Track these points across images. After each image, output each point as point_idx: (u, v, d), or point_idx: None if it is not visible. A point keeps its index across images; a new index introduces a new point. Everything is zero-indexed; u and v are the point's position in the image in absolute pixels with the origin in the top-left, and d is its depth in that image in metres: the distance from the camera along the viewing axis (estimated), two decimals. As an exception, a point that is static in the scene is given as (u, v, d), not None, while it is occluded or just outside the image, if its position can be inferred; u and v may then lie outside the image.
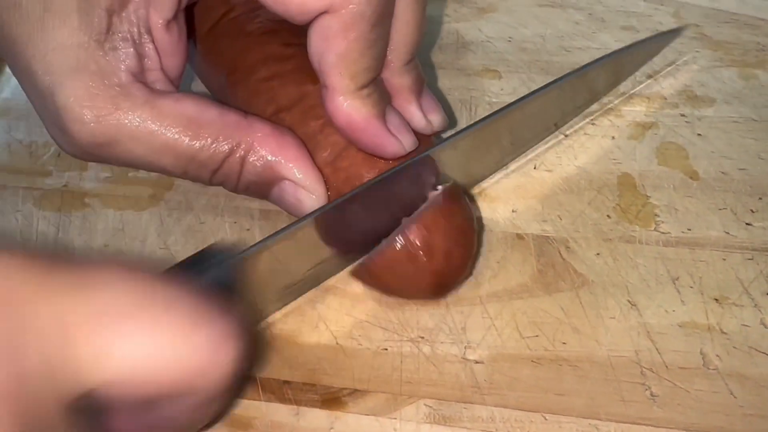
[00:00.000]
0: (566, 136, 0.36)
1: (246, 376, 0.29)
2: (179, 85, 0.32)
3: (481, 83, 0.39)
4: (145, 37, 0.29)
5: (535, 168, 0.35)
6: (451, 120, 0.37)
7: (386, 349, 0.30)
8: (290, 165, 0.30)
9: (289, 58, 0.31)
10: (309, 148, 0.30)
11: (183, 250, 0.33)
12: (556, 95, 0.34)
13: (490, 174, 0.35)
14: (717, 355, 0.29)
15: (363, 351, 0.30)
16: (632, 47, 0.37)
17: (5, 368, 0.17)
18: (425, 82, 0.32)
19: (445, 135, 0.34)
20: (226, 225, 0.34)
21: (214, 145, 0.29)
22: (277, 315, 0.31)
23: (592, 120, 0.37)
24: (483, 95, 0.39)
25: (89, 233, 0.34)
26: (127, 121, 0.28)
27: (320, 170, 0.30)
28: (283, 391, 0.29)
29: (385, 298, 0.31)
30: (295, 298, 0.31)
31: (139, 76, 0.29)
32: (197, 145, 0.29)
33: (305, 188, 0.30)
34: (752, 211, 0.33)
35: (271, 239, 0.27)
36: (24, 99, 0.38)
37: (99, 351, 0.19)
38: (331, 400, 0.28)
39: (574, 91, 0.35)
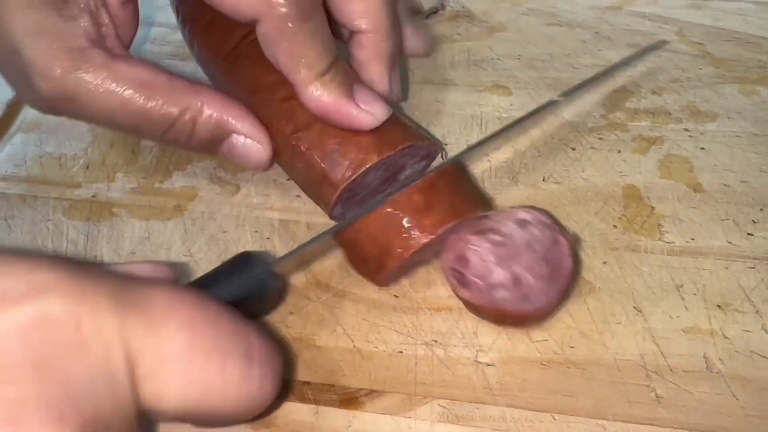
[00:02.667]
0: (573, 149, 0.38)
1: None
2: (129, 48, 0.34)
3: (491, 99, 0.41)
4: (102, 9, 0.32)
5: (543, 180, 0.37)
6: (461, 135, 0.39)
7: (401, 352, 0.31)
8: (236, 121, 0.33)
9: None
10: (326, 165, 0.32)
11: (206, 258, 0.35)
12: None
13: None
14: (720, 359, 0.30)
15: (379, 353, 0.31)
16: (621, 64, 0.40)
17: (74, 400, 0.18)
18: (397, 57, 0.35)
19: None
20: (248, 234, 0.36)
21: (164, 106, 0.32)
22: (297, 320, 0.32)
23: (598, 134, 0.38)
24: (494, 111, 0.40)
25: (116, 241, 0.36)
26: (85, 80, 0.31)
27: (338, 186, 0.32)
28: (303, 392, 0.30)
29: (400, 303, 0.32)
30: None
31: (97, 42, 0.32)
32: (149, 105, 0.31)
33: (252, 139, 0.33)
34: (754, 221, 0.34)
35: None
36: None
37: (163, 394, 0.21)
38: (349, 399, 0.30)
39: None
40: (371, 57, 0.34)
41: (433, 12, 0.46)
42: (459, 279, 0.30)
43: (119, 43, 0.33)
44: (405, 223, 0.31)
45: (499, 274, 0.30)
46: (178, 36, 0.41)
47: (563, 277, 0.30)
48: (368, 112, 0.32)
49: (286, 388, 0.30)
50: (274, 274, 0.30)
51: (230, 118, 0.33)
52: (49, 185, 0.39)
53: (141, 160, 0.40)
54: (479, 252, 0.30)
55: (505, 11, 0.47)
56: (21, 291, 0.19)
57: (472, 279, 0.30)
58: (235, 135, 0.33)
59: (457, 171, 0.33)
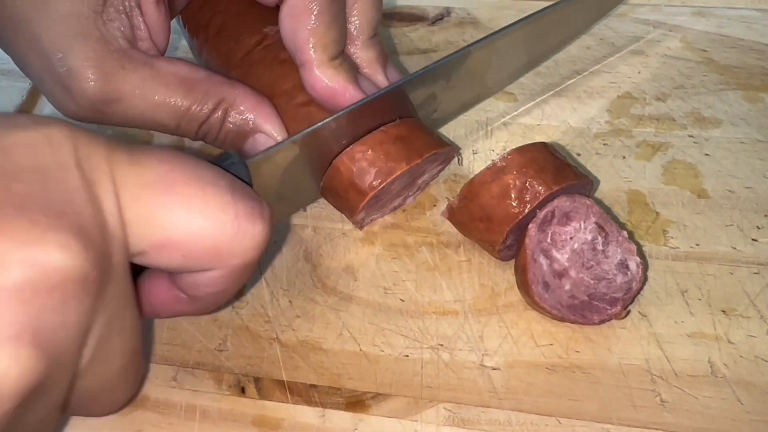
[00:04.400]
0: (578, 155, 0.38)
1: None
2: (164, 53, 0.35)
3: (497, 105, 0.41)
4: (136, 11, 0.33)
5: (549, 185, 0.37)
6: (467, 141, 0.39)
7: (407, 356, 0.31)
8: (265, 120, 0.34)
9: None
10: (354, 172, 0.33)
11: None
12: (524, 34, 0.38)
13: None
14: (724, 364, 0.30)
15: (385, 357, 0.31)
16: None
17: (66, 219, 0.20)
18: (388, 56, 0.36)
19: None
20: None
21: (204, 99, 0.33)
22: (303, 323, 0.32)
23: (603, 140, 0.39)
24: (499, 117, 0.41)
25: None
26: (130, 79, 0.32)
27: (366, 193, 0.33)
28: (310, 395, 0.30)
29: (406, 306, 0.33)
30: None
31: (134, 44, 0.33)
32: (190, 99, 0.32)
33: (275, 140, 0.34)
34: (758, 227, 0.34)
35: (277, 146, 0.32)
36: (63, 118, 0.40)
37: (146, 218, 0.23)
38: (355, 403, 0.30)
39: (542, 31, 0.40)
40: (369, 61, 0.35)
41: (439, 18, 0.47)
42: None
43: (153, 45, 0.33)
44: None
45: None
46: (185, 42, 0.42)
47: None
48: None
49: (290, 389, 0.30)
50: (246, 168, 0.30)
51: (260, 116, 0.34)
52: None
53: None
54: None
55: (510, 18, 0.47)
56: (31, 122, 0.22)
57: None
58: (260, 134, 0.34)
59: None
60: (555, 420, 0.29)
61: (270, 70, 0.35)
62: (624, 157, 0.38)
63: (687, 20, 0.45)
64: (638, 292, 0.31)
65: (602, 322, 0.31)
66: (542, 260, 0.30)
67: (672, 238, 0.34)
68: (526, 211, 0.31)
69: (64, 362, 0.21)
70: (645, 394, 0.29)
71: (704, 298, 0.32)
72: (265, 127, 0.34)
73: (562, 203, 0.31)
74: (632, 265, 0.31)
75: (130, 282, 0.24)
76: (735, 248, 0.34)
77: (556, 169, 0.31)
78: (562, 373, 0.30)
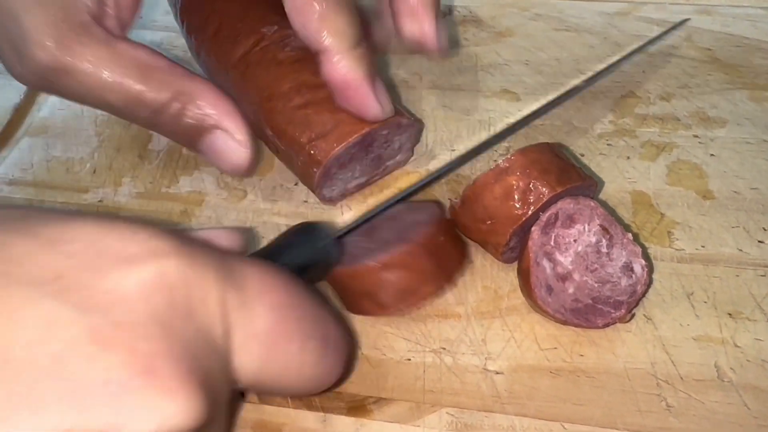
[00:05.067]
0: (582, 155, 0.38)
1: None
2: (127, 31, 0.34)
3: (499, 104, 0.41)
4: None
5: (552, 186, 0.37)
6: (469, 140, 0.39)
7: (409, 360, 0.31)
8: (225, 117, 0.32)
9: (321, 86, 0.33)
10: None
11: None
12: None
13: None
14: (731, 368, 0.29)
15: (387, 361, 0.31)
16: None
17: (194, 377, 0.19)
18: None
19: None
20: (255, 239, 0.36)
21: (159, 88, 0.31)
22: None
23: (607, 141, 0.38)
24: (502, 116, 0.40)
25: (123, 246, 0.36)
26: (85, 54, 0.31)
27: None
28: (311, 399, 0.30)
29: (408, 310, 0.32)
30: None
31: (100, 20, 0.32)
32: (144, 85, 0.31)
33: (235, 139, 0.32)
34: (764, 229, 0.34)
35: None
36: (61, 117, 0.40)
37: (248, 367, 0.22)
38: (357, 407, 0.29)
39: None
40: (417, 3, 0.33)
41: (441, 17, 0.46)
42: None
43: (118, 24, 0.33)
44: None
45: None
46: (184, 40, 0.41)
47: None
48: (380, 103, 0.32)
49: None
50: (336, 242, 0.31)
51: (219, 113, 0.32)
52: (56, 190, 0.39)
53: (148, 165, 0.40)
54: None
55: (512, 16, 0.46)
56: (143, 254, 0.20)
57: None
58: (218, 131, 0.33)
59: None
60: (559, 425, 0.28)
61: (267, 71, 0.34)
62: (628, 158, 0.37)
63: (692, 18, 0.45)
64: (643, 295, 0.31)
65: (606, 325, 0.30)
66: (545, 263, 0.30)
67: (677, 239, 0.34)
68: (530, 212, 0.30)
69: None
70: (650, 398, 0.29)
71: (710, 300, 0.32)
72: (224, 125, 0.32)
73: (565, 205, 0.30)
74: (637, 268, 0.30)
75: (227, 405, 0.23)
76: (741, 250, 0.33)
77: (560, 170, 0.31)
78: (567, 377, 0.30)
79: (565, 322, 0.30)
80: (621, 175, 0.37)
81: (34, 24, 0.30)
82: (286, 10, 0.31)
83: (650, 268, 0.31)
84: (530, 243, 0.30)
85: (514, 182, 0.30)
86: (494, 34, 0.45)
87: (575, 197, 0.31)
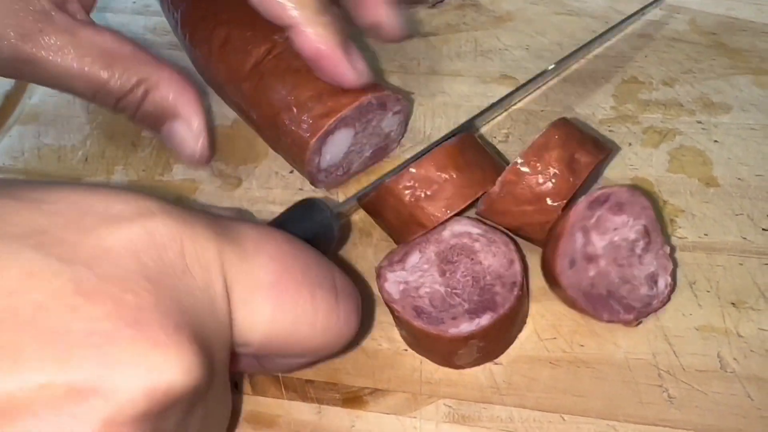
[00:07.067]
0: (583, 142, 0.37)
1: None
2: (90, 13, 0.34)
3: (499, 90, 0.40)
4: None
5: (552, 173, 0.36)
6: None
7: (406, 350, 0.30)
8: (185, 107, 0.32)
9: (343, 93, 0.32)
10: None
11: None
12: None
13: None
14: (734, 359, 0.29)
15: (383, 351, 0.30)
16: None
17: (184, 332, 0.19)
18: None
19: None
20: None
21: (124, 76, 0.31)
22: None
23: (609, 127, 0.38)
24: (501, 102, 0.39)
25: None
26: (47, 44, 0.30)
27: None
28: (306, 390, 0.29)
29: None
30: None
31: (61, 5, 0.31)
32: (109, 74, 0.31)
33: (192, 131, 0.33)
34: (769, 216, 0.33)
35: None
36: (53, 104, 0.39)
37: (256, 321, 0.22)
38: (353, 399, 0.29)
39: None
40: None
41: (439, 1, 0.45)
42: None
43: (81, 8, 0.32)
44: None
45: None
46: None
47: None
48: (355, 69, 0.32)
49: (286, 385, 0.29)
50: (338, 216, 0.31)
51: (180, 102, 0.32)
52: (48, 178, 0.38)
53: (141, 153, 0.39)
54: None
55: (512, 0, 0.46)
56: (130, 213, 0.20)
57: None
58: (179, 120, 0.32)
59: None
60: (559, 416, 0.28)
61: (283, 80, 0.33)
62: (630, 144, 0.37)
63: (695, 2, 0.44)
64: (657, 310, 0.30)
65: (610, 322, 0.29)
66: (579, 236, 0.29)
67: (680, 227, 0.33)
68: (580, 182, 0.30)
69: None
70: (652, 389, 0.28)
71: (713, 290, 0.31)
72: (183, 114, 0.32)
73: (620, 191, 0.30)
74: (661, 283, 0.30)
75: (228, 371, 0.23)
76: (745, 238, 0.33)
77: (592, 140, 0.31)
78: (567, 368, 0.29)
79: (572, 304, 0.29)
80: (622, 161, 0.36)
81: None
82: None
83: (673, 288, 0.30)
84: (572, 212, 0.29)
85: (557, 155, 0.30)
86: (494, 18, 0.45)
87: (632, 188, 0.30)
